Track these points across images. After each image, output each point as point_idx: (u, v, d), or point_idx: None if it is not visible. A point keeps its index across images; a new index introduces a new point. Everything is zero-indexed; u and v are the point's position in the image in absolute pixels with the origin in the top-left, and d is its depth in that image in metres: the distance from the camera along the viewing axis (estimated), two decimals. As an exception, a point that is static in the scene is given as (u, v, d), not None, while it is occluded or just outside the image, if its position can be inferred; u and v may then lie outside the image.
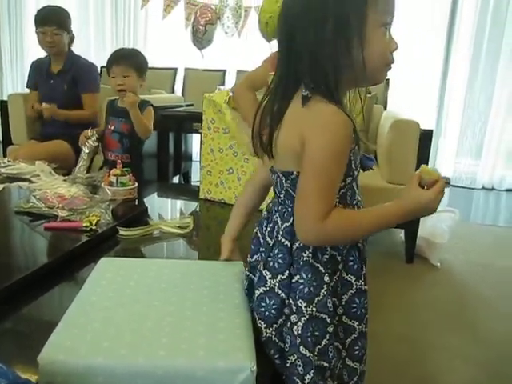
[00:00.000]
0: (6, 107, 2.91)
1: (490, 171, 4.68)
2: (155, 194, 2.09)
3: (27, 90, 2.82)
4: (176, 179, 3.68)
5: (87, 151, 2.01)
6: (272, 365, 0.80)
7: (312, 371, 0.77)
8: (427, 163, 2.39)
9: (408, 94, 4.84)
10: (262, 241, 0.87)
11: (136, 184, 1.70)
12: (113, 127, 2.17)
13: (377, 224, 0.78)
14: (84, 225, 1.26)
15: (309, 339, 0.77)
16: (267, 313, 0.80)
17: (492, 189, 4.69)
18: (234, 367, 0.65)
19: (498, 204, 4.38)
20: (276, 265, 0.81)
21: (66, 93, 2.63)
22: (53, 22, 2.61)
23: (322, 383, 0.80)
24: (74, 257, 1.16)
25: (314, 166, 0.74)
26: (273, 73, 0.86)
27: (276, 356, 0.81)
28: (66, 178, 1.87)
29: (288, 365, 0.78)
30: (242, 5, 4.42)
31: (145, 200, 1.86)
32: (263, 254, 0.85)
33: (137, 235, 1.31)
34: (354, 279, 0.83)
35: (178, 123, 3.47)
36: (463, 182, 4.78)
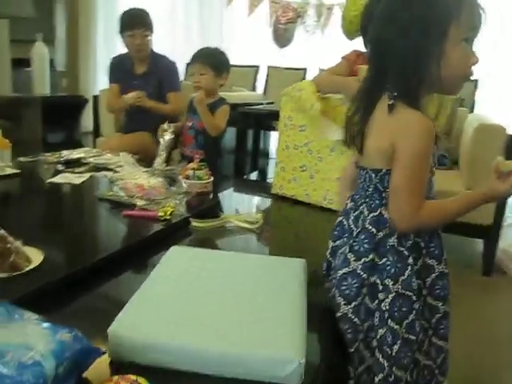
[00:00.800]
0: (98, 102, 3.11)
1: None
2: (231, 189, 2.16)
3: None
4: (254, 175, 3.75)
5: (165, 144, 2.11)
6: (323, 356, 0.82)
7: (399, 341, 0.88)
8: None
9: (499, 96, 4.58)
10: (346, 228, 0.98)
11: (211, 178, 1.76)
12: (190, 123, 2.28)
13: (461, 211, 0.91)
14: (159, 214, 1.34)
15: (396, 314, 0.88)
16: (348, 291, 0.91)
17: None
18: (283, 358, 0.67)
19: None
20: (361, 248, 0.91)
21: (150, 95, 2.65)
22: (141, 24, 2.66)
23: (410, 354, 0.89)
24: (148, 243, 1.23)
25: (407, 167, 0.87)
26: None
27: (349, 331, 0.91)
28: (147, 169, 1.97)
29: (378, 337, 0.89)
30: (323, 2, 4.41)
31: (221, 194, 1.93)
32: (346, 239, 0.96)
33: (208, 227, 1.37)
34: (436, 263, 0.95)
35: (257, 121, 3.53)
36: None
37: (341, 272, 0.93)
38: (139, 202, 1.41)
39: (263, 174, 3.94)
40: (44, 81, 4.26)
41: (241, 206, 1.99)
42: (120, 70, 2.80)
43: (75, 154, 2.17)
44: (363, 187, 0.96)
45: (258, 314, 0.78)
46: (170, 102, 2.74)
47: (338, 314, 0.92)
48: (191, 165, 1.76)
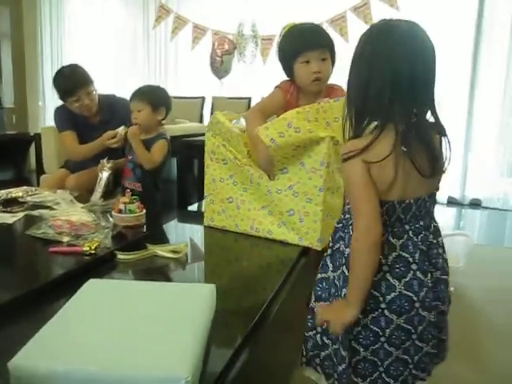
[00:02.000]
0: (39, 139, 3.15)
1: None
2: (175, 220, 2.24)
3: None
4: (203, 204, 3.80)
5: (103, 180, 2.17)
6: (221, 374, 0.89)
7: None
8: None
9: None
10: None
11: (143, 211, 1.82)
12: (130, 157, 2.35)
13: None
14: (84, 249, 1.40)
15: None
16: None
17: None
18: (172, 376, 0.75)
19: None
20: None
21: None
22: (83, 83, 2.52)
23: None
24: (74, 277, 1.28)
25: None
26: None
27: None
28: (84, 205, 2.02)
29: None
30: (257, 33, 4.59)
31: (165, 225, 2.03)
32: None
33: (133, 259, 1.43)
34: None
35: (202, 150, 3.61)
36: (495, 203, 4.72)
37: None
38: (65, 239, 1.47)
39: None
40: (-12, 119, 4.25)
41: (180, 236, 2.05)
42: (72, 119, 2.63)
43: (13, 193, 2.20)
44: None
45: (157, 338, 0.85)
46: None
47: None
48: (123, 199, 1.80)
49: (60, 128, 2.68)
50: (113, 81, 5.71)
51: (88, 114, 2.62)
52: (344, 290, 1.04)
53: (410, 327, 1.03)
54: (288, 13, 4.50)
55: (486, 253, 3.21)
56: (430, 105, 1.01)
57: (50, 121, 5.98)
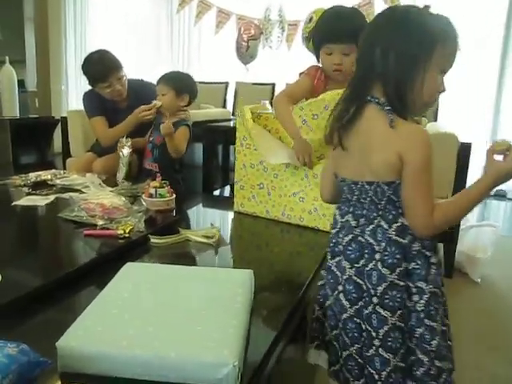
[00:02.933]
0: (66, 123, 3.16)
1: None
2: (200, 205, 2.23)
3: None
4: (226, 189, 3.81)
5: (124, 159, 2.18)
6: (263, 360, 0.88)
7: (438, 337, 0.97)
8: (466, 178, 2.40)
9: (461, 105, 4.72)
10: (365, 244, 1.00)
11: (173, 196, 1.82)
12: (151, 138, 2.38)
13: (470, 205, 0.97)
14: (118, 232, 1.40)
15: (432, 312, 0.97)
16: (392, 303, 0.97)
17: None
18: (218, 362, 0.74)
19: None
20: (394, 260, 0.97)
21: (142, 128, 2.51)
22: (113, 69, 2.52)
23: (445, 344, 1.00)
24: (109, 260, 1.28)
25: (419, 177, 0.94)
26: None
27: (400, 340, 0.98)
28: (113, 189, 2.03)
29: (417, 335, 0.97)
30: (284, 18, 4.52)
31: (190, 210, 2.02)
32: (368, 255, 0.99)
33: (166, 243, 1.43)
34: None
35: (226, 136, 3.60)
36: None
37: (381, 288, 0.97)
38: (100, 222, 1.47)
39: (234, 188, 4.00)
40: (13, 103, 4.29)
41: (208, 221, 2.04)
42: (101, 104, 2.62)
43: (42, 176, 2.22)
44: (371, 201, 1.00)
45: (200, 323, 0.84)
46: None
47: (386, 328, 0.97)
48: (154, 183, 1.81)
49: (89, 113, 2.65)
50: (136, 67, 5.72)
51: (119, 99, 2.61)
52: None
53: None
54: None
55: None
56: None
57: (72, 105, 6.02)
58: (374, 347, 0.98)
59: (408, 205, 0.96)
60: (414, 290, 0.98)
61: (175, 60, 5.64)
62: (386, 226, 0.98)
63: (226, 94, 4.87)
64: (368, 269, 0.99)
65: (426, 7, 0.99)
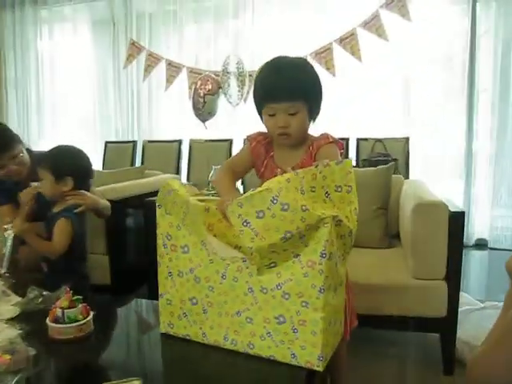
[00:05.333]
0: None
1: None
2: (119, 318, 1.71)
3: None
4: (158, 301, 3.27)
5: (5, 243, 1.77)
6: None
7: None
8: (461, 252, 1.94)
9: (431, 151, 4.47)
10: None
11: (90, 315, 1.38)
12: None
13: None
14: None
15: None
16: None
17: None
18: None
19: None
20: None
21: None
22: (9, 146, 2.05)
23: None
24: None
25: None
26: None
27: None
28: (16, 302, 1.54)
29: None
30: (244, 70, 4.13)
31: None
32: None
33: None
34: None
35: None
36: (503, 243, 4.28)
37: None
38: None
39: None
40: None
41: (125, 349, 1.49)
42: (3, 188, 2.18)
43: None
44: None
45: None
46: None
47: None
48: (61, 301, 1.36)
49: None
50: (81, 126, 5.26)
51: (18, 179, 2.13)
52: None
53: None
54: (273, 46, 4.14)
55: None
56: None
57: None
58: None
59: None
60: None
61: (124, 117, 5.18)
62: None
63: (179, 154, 4.39)
64: None
65: None
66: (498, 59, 4.17)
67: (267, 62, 1.41)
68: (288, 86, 1.33)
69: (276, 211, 1.05)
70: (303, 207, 1.05)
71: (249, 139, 1.54)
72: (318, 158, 1.35)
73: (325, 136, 1.42)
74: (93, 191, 2.10)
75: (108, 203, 2.23)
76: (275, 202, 1.04)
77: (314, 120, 1.44)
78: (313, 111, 1.40)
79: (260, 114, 1.44)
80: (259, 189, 1.06)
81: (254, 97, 1.43)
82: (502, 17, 4.16)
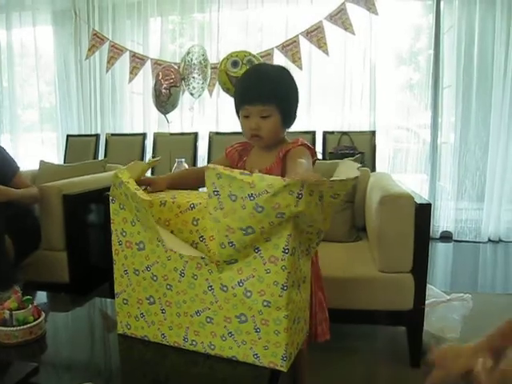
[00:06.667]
0: None
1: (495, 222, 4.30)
2: (69, 318, 1.61)
3: None
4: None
5: None
6: None
7: None
8: (427, 245, 1.94)
9: (397, 145, 4.52)
10: None
11: (42, 317, 1.30)
12: None
13: None
14: None
15: None
16: None
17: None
18: None
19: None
20: None
21: None
22: None
23: None
24: None
25: None
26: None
27: None
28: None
29: None
30: (208, 62, 4.04)
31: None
32: None
33: None
34: None
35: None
36: (467, 236, 4.36)
37: None
38: None
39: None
40: None
41: (78, 352, 1.42)
42: None
43: None
44: None
45: None
46: (22, 184, 2.30)
47: None
48: (9, 302, 1.28)
49: None
50: (43, 119, 5.08)
51: None
52: None
53: None
54: (239, 40, 4.06)
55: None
56: None
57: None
58: None
59: None
60: None
61: (87, 110, 5.02)
62: None
63: (143, 147, 4.27)
64: None
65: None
66: (461, 55, 4.21)
67: (249, 67, 1.54)
68: (262, 89, 1.37)
69: (248, 206, 0.99)
70: (278, 215, 0.99)
71: (226, 147, 1.58)
72: (287, 160, 1.36)
73: (295, 140, 1.44)
74: (16, 182, 2.21)
75: (31, 191, 2.28)
76: (252, 199, 0.98)
77: (289, 126, 1.46)
78: (286, 116, 1.41)
79: (238, 116, 1.46)
80: (245, 177, 0.99)
81: (234, 99, 1.47)
82: (465, 14, 4.20)
